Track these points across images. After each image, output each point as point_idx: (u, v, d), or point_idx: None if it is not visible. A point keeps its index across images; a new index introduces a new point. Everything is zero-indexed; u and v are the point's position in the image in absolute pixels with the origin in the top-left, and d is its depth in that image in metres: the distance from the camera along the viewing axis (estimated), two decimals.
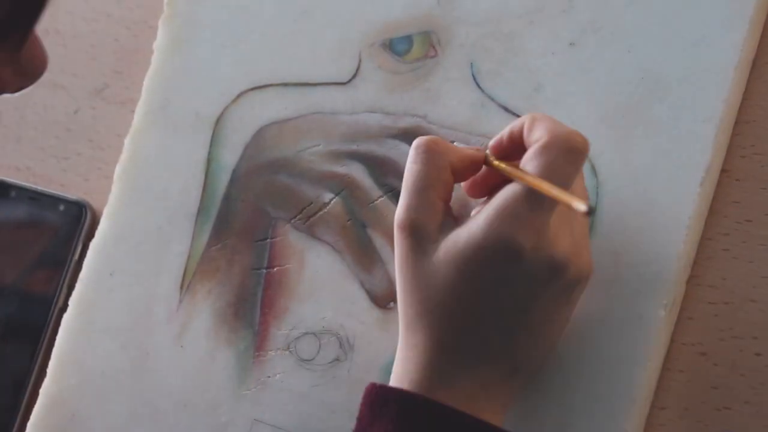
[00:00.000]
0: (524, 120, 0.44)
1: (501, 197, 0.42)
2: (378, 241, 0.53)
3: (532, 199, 0.41)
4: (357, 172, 0.54)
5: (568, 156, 0.41)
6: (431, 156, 0.44)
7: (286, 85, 0.56)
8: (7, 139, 0.63)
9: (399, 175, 0.52)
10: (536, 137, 0.42)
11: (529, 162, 0.42)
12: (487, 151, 0.46)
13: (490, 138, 0.51)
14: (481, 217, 0.42)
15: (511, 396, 0.45)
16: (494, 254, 0.41)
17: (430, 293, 0.43)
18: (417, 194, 0.44)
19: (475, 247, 0.41)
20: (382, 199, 0.53)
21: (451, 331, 0.43)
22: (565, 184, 0.40)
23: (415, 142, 0.45)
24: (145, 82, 0.58)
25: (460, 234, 0.42)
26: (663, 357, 0.47)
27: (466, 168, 0.45)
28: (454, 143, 0.48)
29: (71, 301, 0.57)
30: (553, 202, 0.41)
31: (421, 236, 0.43)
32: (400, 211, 0.44)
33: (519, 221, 0.41)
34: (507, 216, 0.41)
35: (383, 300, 0.52)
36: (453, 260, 0.42)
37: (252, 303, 0.54)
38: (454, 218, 0.44)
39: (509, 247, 0.41)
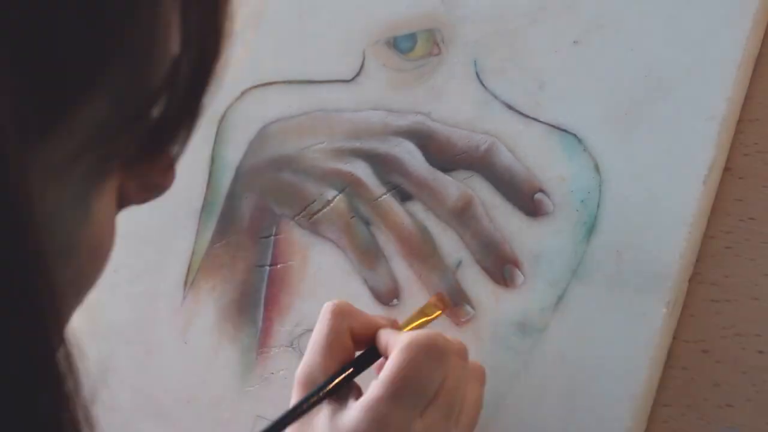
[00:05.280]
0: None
1: (367, 396, 0.43)
2: (381, 238, 0.52)
3: (395, 399, 0.43)
4: (361, 169, 0.53)
5: (429, 353, 0.43)
6: (334, 319, 0.46)
7: (290, 82, 0.56)
8: None
9: (403, 172, 0.52)
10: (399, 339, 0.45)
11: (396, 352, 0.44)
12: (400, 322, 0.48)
13: (492, 135, 0.51)
14: (354, 408, 0.43)
15: None
16: None
17: None
18: (314, 352, 0.47)
19: None
20: (385, 196, 0.53)
21: None
22: (430, 380, 0.43)
23: (325, 305, 0.47)
24: None
25: (343, 419, 0.44)
26: (665, 354, 0.47)
27: (369, 333, 0.47)
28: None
29: None
30: (413, 402, 0.43)
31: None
32: (300, 365, 0.47)
33: (380, 421, 0.42)
34: (372, 415, 0.42)
35: (386, 297, 0.52)
36: None
37: (255, 299, 0.55)
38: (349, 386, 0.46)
39: None
